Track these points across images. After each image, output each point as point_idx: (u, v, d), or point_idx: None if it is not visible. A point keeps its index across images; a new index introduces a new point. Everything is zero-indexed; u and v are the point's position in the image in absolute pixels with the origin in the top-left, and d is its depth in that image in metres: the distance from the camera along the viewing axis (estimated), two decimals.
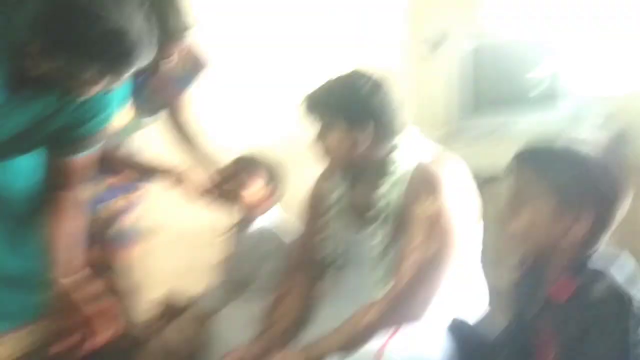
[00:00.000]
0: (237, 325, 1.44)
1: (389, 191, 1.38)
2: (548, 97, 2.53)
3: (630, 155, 2.41)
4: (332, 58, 2.81)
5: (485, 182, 2.62)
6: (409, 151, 1.43)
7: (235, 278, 1.79)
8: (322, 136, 1.43)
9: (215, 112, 2.48)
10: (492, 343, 1.23)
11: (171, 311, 1.80)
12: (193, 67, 1.75)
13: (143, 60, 0.98)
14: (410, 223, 1.33)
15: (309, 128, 1.48)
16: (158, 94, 1.69)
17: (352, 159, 1.41)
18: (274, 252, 1.73)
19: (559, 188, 1.04)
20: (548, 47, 2.53)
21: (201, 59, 1.76)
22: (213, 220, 2.37)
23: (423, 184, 1.35)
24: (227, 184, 1.70)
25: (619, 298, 0.96)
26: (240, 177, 1.73)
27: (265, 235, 1.79)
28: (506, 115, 2.66)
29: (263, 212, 1.82)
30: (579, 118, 2.41)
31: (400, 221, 1.36)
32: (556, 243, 1.05)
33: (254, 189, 1.76)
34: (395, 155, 1.41)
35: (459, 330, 1.28)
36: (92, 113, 1.15)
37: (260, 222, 1.82)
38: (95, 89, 1.00)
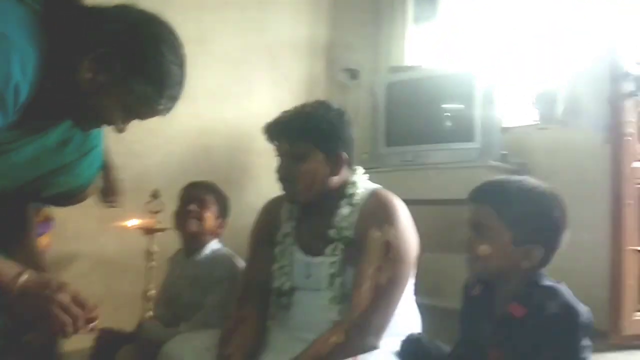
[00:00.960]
0: (197, 354, 1.39)
1: (348, 213, 1.43)
2: (461, 130, 2.72)
3: None
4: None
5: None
6: (361, 176, 1.50)
7: (182, 302, 1.75)
8: (292, 164, 1.44)
9: None
10: (448, 357, 1.31)
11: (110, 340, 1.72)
12: None
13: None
14: (367, 247, 1.37)
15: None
16: None
17: (325, 185, 1.44)
18: (228, 277, 1.72)
19: (516, 224, 1.15)
20: (465, 80, 2.72)
21: None
22: (136, 246, 2.30)
23: (380, 209, 1.42)
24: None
25: (570, 312, 1.09)
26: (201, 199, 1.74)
27: (221, 258, 1.78)
28: (420, 145, 2.82)
29: (214, 238, 1.83)
30: (487, 150, 2.63)
31: (357, 243, 1.40)
32: (514, 268, 1.16)
33: (211, 214, 1.82)
34: (353, 179, 1.48)
35: (415, 345, 1.34)
36: (91, 167, 1.16)
37: (213, 246, 1.83)
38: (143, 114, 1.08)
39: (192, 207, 1.81)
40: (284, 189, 1.47)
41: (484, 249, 1.16)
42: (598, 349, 2.38)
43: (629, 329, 2.48)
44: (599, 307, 2.56)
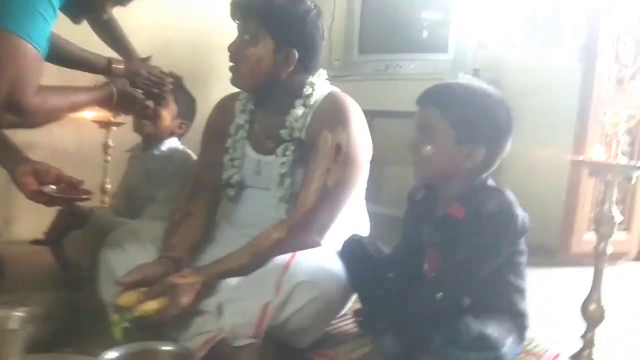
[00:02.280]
0: (141, 245, 1.40)
1: (302, 114, 1.40)
2: (436, 41, 2.65)
3: None
4: None
5: (373, 117, 2.77)
6: (319, 79, 1.45)
7: (138, 195, 1.74)
8: (243, 44, 1.37)
9: None
10: (387, 256, 1.35)
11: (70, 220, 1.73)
12: None
13: None
14: (318, 148, 1.35)
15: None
16: None
17: (270, 78, 1.39)
18: (182, 172, 1.71)
19: (459, 122, 1.16)
20: None
21: None
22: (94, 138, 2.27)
23: (333, 112, 1.38)
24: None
25: (507, 212, 1.12)
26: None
27: (177, 155, 1.77)
28: (394, 54, 2.75)
29: (172, 136, 1.80)
30: (460, 64, 2.58)
31: (308, 144, 1.38)
32: (457, 168, 1.18)
33: (167, 113, 1.76)
34: (312, 79, 1.43)
35: (356, 245, 1.37)
36: None
37: (170, 143, 1.80)
38: None
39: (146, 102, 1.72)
40: (231, 69, 1.42)
41: (427, 149, 1.18)
42: (547, 264, 2.53)
43: (577, 248, 2.58)
44: (552, 225, 2.68)
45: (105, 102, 1.38)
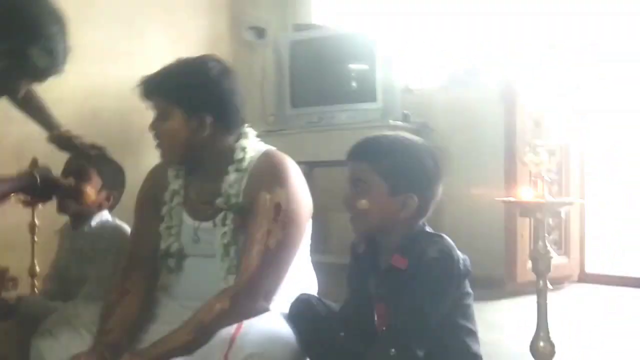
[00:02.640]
0: (75, 332, 1.31)
1: (236, 179, 1.37)
2: (364, 90, 2.73)
3: (432, 140, 2.78)
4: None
5: (312, 168, 2.79)
6: (252, 139, 1.44)
7: (71, 276, 1.65)
8: (157, 122, 1.37)
9: None
10: (337, 315, 1.31)
11: None
12: None
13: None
14: (257, 210, 1.33)
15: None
16: None
17: (192, 147, 1.36)
18: (115, 248, 1.63)
19: (390, 174, 1.18)
20: (367, 41, 2.71)
21: None
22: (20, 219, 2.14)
23: (270, 171, 1.37)
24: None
25: (448, 256, 1.12)
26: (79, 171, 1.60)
27: (108, 230, 1.69)
28: (325, 106, 2.81)
29: (100, 210, 1.72)
30: (389, 110, 2.67)
31: (247, 209, 1.35)
32: (394, 219, 1.18)
33: (92, 187, 1.69)
34: (242, 143, 1.41)
35: (303, 305, 1.33)
36: None
37: (101, 217, 1.74)
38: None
39: (68, 181, 1.65)
40: (156, 147, 1.40)
41: (362, 203, 1.18)
42: (495, 296, 2.58)
43: (522, 277, 2.64)
44: (496, 257, 2.74)
45: (27, 190, 1.44)
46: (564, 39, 2.59)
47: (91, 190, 1.68)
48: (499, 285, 2.71)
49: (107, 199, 1.74)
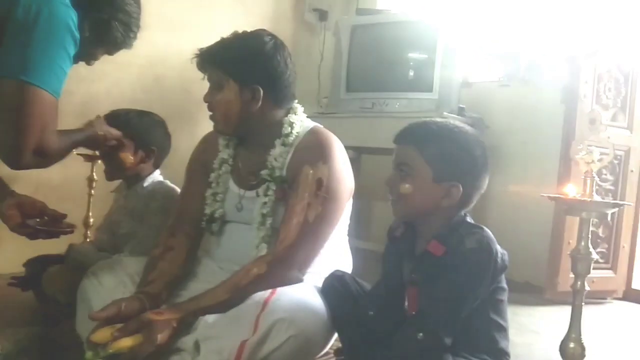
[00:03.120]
0: (120, 280, 1.38)
1: (282, 152, 1.41)
2: (421, 80, 2.70)
3: (486, 137, 2.73)
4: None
5: (361, 154, 2.79)
6: (301, 115, 1.47)
7: (121, 231, 1.73)
8: (212, 93, 1.41)
9: None
10: (368, 293, 1.33)
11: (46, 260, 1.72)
12: None
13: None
14: (299, 183, 1.36)
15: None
16: None
17: (244, 118, 1.40)
18: (165, 208, 1.69)
19: (436, 160, 1.17)
20: (430, 30, 2.67)
21: None
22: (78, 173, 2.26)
23: (315, 147, 1.39)
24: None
25: (486, 248, 1.11)
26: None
27: (159, 191, 1.75)
28: (380, 93, 2.80)
29: (150, 170, 1.78)
30: (445, 103, 2.63)
31: (290, 182, 1.39)
32: (435, 206, 1.18)
33: (127, 152, 1.73)
34: (290, 118, 1.44)
35: (337, 281, 1.35)
36: None
37: (154, 178, 1.80)
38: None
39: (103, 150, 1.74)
40: (210, 117, 1.45)
41: (405, 187, 1.18)
42: (533, 303, 2.52)
43: (564, 286, 2.57)
44: (539, 262, 2.68)
45: (91, 144, 1.56)
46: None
47: (125, 155, 1.72)
48: (537, 292, 2.65)
49: (147, 156, 1.77)
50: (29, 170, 1.27)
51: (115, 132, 1.62)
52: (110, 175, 1.81)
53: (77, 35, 1.25)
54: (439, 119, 1.25)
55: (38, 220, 1.34)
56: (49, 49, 1.20)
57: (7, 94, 1.19)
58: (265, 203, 1.40)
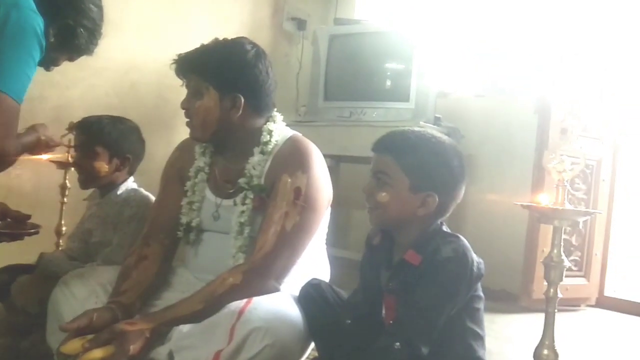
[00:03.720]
0: (92, 290, 1.35)
1: (260, 161, 1.40)
2: (398, 90, 2.72)
3: (461, 146, 2.76)
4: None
5: (339, 162, 2.80)
6: (279, 124, 1.46)
7: (93, 240, 1.70)
8: (191, 100, 1.40)
9: None
10: (345, 302, 1.33)
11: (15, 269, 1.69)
12: None
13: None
14: (277, 192, 1.35)
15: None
16: None
17: (223, 126, 1.39)
18: (138, 216, 1.67)
19: (413, 169, 1.17)
20: (407, 41, 2.70)
21: None
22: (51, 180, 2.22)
23: (293, 155, 1.39)
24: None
25: (462, 257, 1.12)
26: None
27: (134, 199, 1.73)
28: (358, 102, 2.81)
29: (123, 178, 1.76)
30: (421, 112, 2.65)
31: (267, 191, 1.38)
32: (412, 215, 1.18)
33: (100, 161, 1.71)
34: (269, 126, 1.43)
35: (313, 289, 1.34)
36: None
37: (127, 185, 1.77)
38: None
39: (77, 159, 1.73)
40: (187, 124, 1.43)
41: (382, 195, 1.18)
42: (509, 310, 2.55)
43: (538, 293, 2.60)
44: (514, 270, 2.71)
45: (35, 148, 1.51)
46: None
47: (100, 164, 1.70)
48: (512, 300, 2.68)
49: (122, 164, 1.75)
50: None
51: (56, 139, 1.60)
52: (84, 184, 1.78)
53: (44, 41, 1.25)
54: (417, 129, 1.26)
55: (0, 222, 1.31)
56: (16, 54, 1.21)
57: None
58: (242, 212, 1.39)
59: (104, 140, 1.70)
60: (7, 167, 1.33)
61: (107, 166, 1.71)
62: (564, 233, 1.16)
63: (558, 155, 1.09)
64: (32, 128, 1.52)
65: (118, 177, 1.76)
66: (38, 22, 1.23)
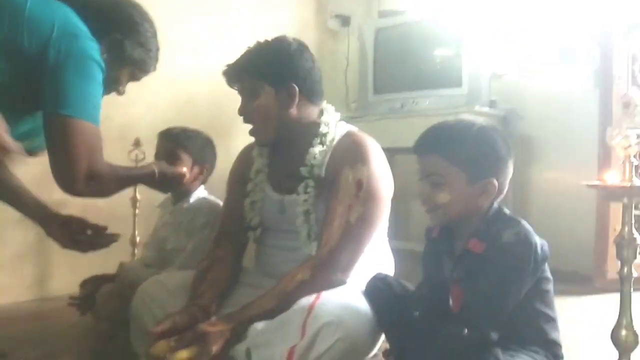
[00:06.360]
0: (170, 294, 1.43)
1: (321, 151, 1.43)
2: (449, 76, 2.69)
3: (521, 127, 2.70)
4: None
5: (394, 154, 2.79)
6: (333, 115, 1.49)
7: (168, 247, 1.78)
8: (247, 103, 1.44)
9: None
10: (412, 294, 1.34)
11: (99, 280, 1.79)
12: None
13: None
14: (339, 186, 1.37)
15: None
16: None
17: (283, 121, 1.43)
18: (210, 223, 1.75)
19: (466, 163, 1.17)
20: (454, 26, 2.66)
21: None
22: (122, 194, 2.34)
23: (352, 149, 1.41)
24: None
25: (525, 240, 1.11)
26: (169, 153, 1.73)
27: (205, 206, 1.81)
28: (408, 92, 2.79)
29: (197, 187, 1.84)
30: (475, 96, 2.60)
31: (328, 183, 1.40)
32: (475, 206, 1.18)
33: (183, 166, 1.77)
34: (325, 119, 1.47)
35: (380, 283, 1.36)
36: None
37: (199, 194, 1.85)
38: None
39: (180, 172, 1.75)
40: (250, 131, 1.48)
41: (444, 196, 1.17)
42: (582, 292, 2.46)
43: (612, 273, 2.50)
44: (585, 251, 2.62)
45: (146, 181, 1.57)
46: None
47: (184, 171, 1.77)
48: (586, 282, 2.59)
49: (201, 172, 1.85)
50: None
51: (170, 170, 1.65)
52: (164, 188, 1.86)
53: (102, 63, 1.32)
54: (451, 120, 1.25)
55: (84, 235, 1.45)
56: (82, 82, 1.27)
57: (52, 129, 1.27)
58: (305, 200, 1.42)
59: (189, 147, 1.80)
60: (112, 189, 1.40)
61: (188, 173, 1.77)
62: (635, 209, 1.12)
63: (623, 130, 1.06)
64: (151, 164, 1.61)
65: (193, 185, 1.84)
66: (94, 47, 1.30)
